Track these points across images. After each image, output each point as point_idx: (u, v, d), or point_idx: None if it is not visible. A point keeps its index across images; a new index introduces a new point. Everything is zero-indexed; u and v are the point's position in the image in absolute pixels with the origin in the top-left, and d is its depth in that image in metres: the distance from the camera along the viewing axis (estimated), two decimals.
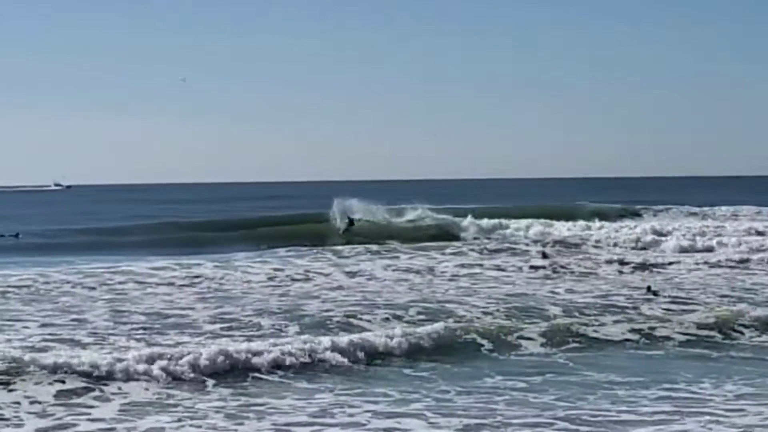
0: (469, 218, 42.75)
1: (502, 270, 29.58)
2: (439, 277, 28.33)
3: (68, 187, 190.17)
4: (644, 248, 36.75)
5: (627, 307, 22.10)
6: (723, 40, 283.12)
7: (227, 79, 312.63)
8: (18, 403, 13.85)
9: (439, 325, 18.93)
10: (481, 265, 30.55)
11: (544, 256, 32.56)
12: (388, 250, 34.53)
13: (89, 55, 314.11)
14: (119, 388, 14.68)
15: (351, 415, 13.42)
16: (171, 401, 14.22)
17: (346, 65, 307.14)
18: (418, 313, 21.09)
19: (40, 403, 13.88)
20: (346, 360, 16.78)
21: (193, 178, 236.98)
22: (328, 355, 16.81)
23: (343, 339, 17.62)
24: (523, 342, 18.48)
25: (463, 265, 30.42)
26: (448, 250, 34.60)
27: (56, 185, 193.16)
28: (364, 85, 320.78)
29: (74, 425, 13.01)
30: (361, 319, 20.36)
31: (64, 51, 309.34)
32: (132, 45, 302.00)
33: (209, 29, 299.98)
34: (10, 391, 14.27)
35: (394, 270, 29.34)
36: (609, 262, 31.74)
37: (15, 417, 13.23)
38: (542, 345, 18.35)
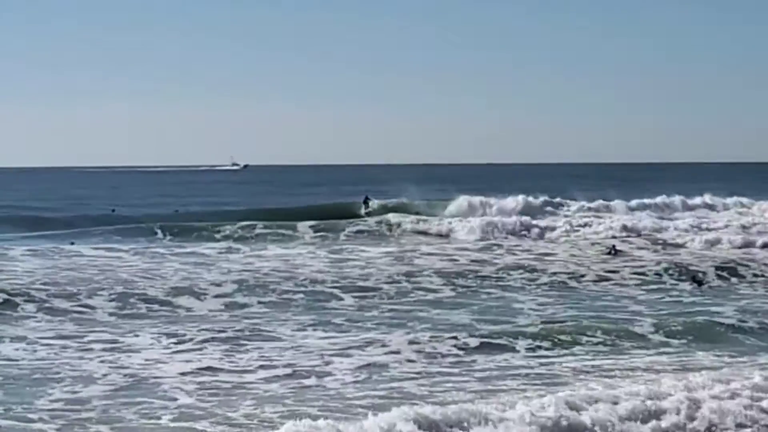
0: None
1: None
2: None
3: (245, 166, 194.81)
4: None
5: None
6: None
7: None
8: None
9: None
10: None
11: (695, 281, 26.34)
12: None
13: (266, 47, 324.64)
14: None
15: None
16: None
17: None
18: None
19: None
20: None
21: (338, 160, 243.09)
22: None
23: None
24: None
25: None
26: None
27: (233, 165, 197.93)
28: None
29: None
30: None
31: (246, 44, 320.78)
32: (302, 38, 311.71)
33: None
34: None
35: None
36: None
37: None
38: None
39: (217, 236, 34.74)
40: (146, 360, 16.01)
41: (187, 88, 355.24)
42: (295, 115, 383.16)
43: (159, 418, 12.78)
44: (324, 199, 55.80)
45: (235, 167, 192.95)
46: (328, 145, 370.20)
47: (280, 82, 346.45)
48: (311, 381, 14.69)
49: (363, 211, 42.58)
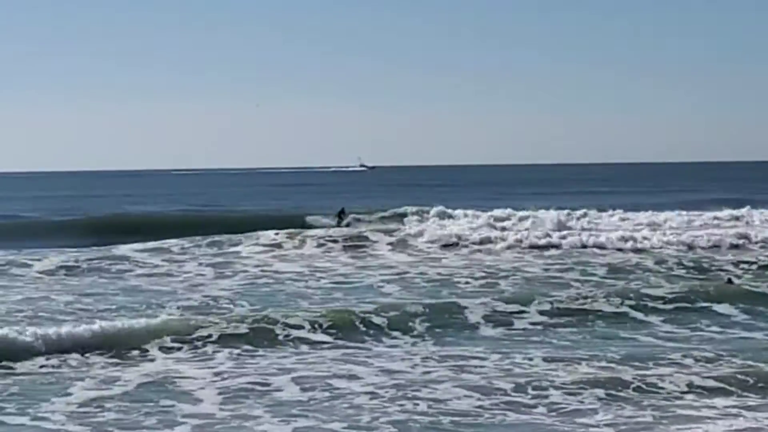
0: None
1: None
2: None
3: (372, 167, 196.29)
4: None
5: None
6: None
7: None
8: None
9: None
10: None
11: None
12: None
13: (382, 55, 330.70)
14: None
15: None
16: None
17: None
18: None
19: None
20: None
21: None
22: None
23: None
24: None
25: None
26: None
27: (361, 166, 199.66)
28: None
29: None
30: None
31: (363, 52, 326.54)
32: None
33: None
34: None
35: None
36: None
37: None
38: None
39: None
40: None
41: (325, 92, 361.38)
42: (428, 118, 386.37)
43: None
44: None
45: (362, 168, 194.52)
46: (464, 146, 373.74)
47: (412, 87, 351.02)
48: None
49: (335, 222, 40.39)
